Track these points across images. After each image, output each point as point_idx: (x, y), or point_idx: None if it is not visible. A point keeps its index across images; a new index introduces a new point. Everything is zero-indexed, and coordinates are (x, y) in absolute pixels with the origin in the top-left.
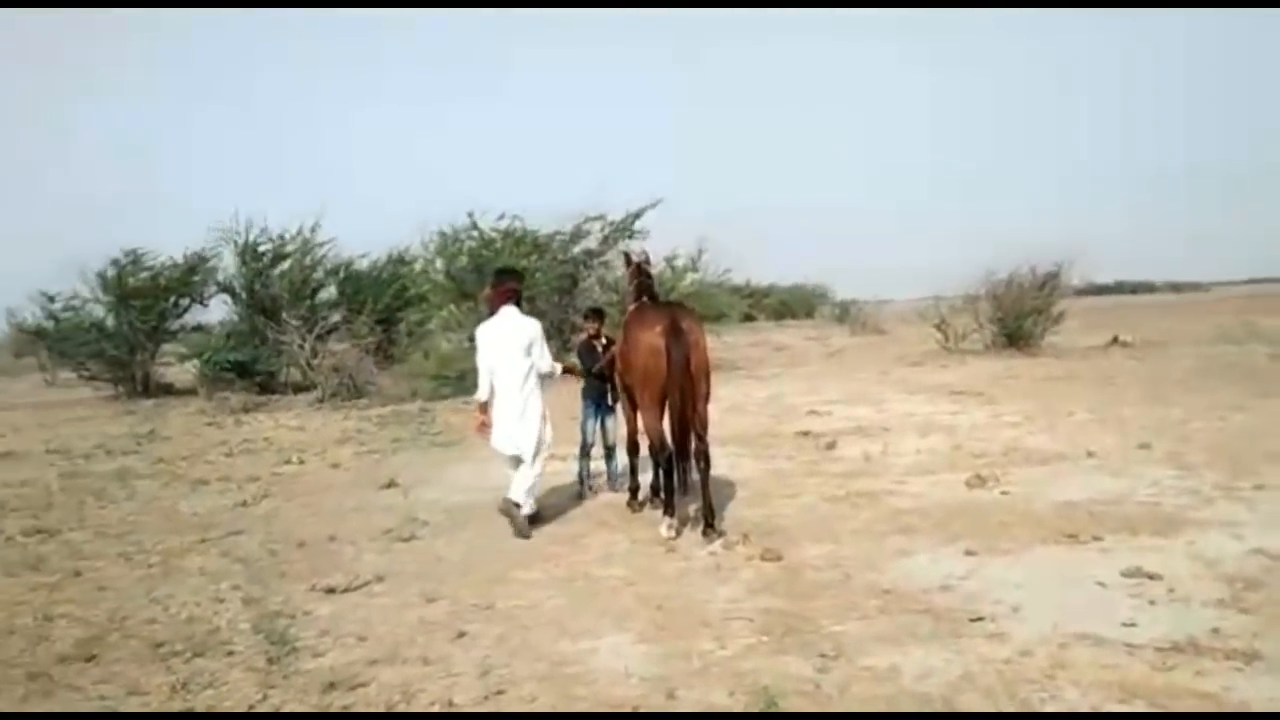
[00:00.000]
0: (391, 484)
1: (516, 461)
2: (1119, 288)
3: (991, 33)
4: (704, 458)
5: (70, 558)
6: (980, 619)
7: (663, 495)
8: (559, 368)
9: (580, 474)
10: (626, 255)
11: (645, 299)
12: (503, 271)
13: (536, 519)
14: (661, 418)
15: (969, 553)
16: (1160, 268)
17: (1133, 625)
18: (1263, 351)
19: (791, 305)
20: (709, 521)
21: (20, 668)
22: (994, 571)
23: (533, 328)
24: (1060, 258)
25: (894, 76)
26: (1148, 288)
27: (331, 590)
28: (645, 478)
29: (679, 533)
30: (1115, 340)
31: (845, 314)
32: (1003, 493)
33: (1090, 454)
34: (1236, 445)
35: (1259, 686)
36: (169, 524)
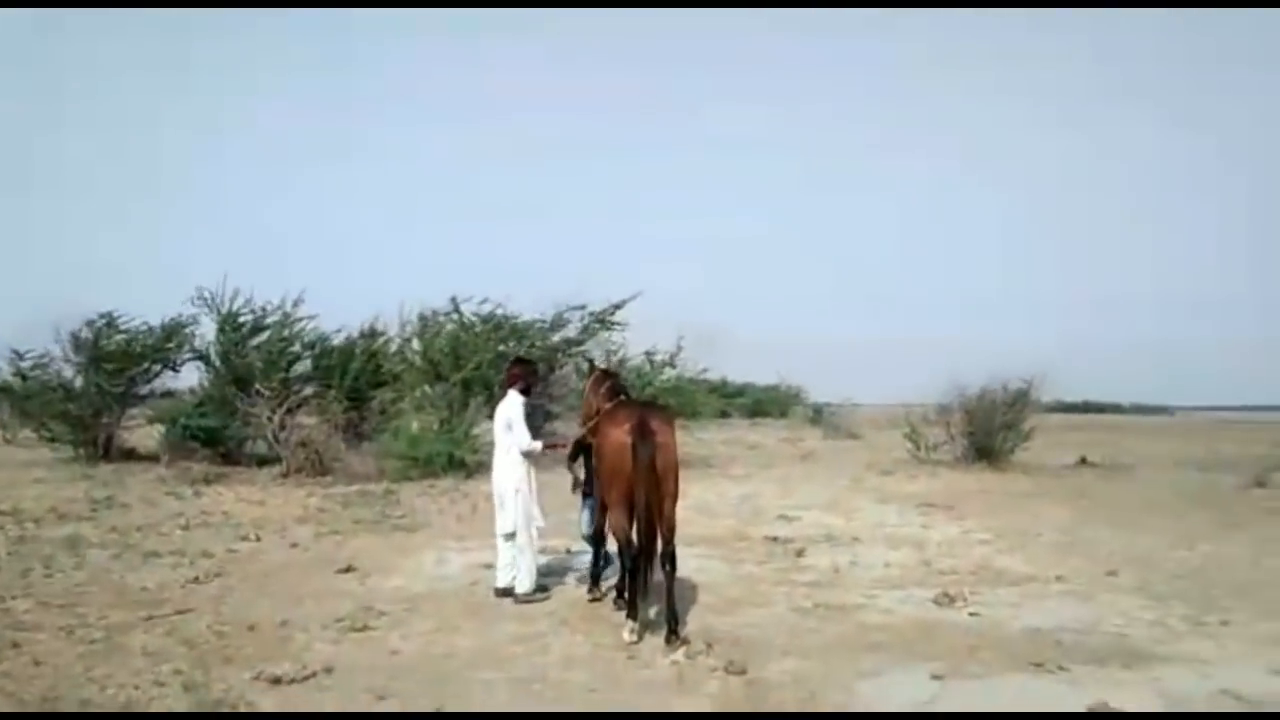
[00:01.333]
0: (350, 568)
1: (506, 538)
2: (1085, 406)
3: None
4: (670, 560)
5: (10, 628)
6: None
7: (626, 596)
8: (538, 445)
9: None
10: (590, 363)
11: (621, 397)
12: (515, 360)
13: (508, 592)
14: (629, 516)
15: (935, 676)
16: (1125, 389)
17: None
18: (1229, 481)
19: (766, 405)
20: (672, 628)
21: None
22: (960, 698)
23: (511, 407)
24: (1030, 374)
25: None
26: (1114, 408)
27: (277, 680)
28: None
29: (641, 637)
30: (1083, 460)
31: (819, 416)
32: (971, 614)
33: (1059, 578)
34: (1204, 577)
35: None
36: (117, 598)
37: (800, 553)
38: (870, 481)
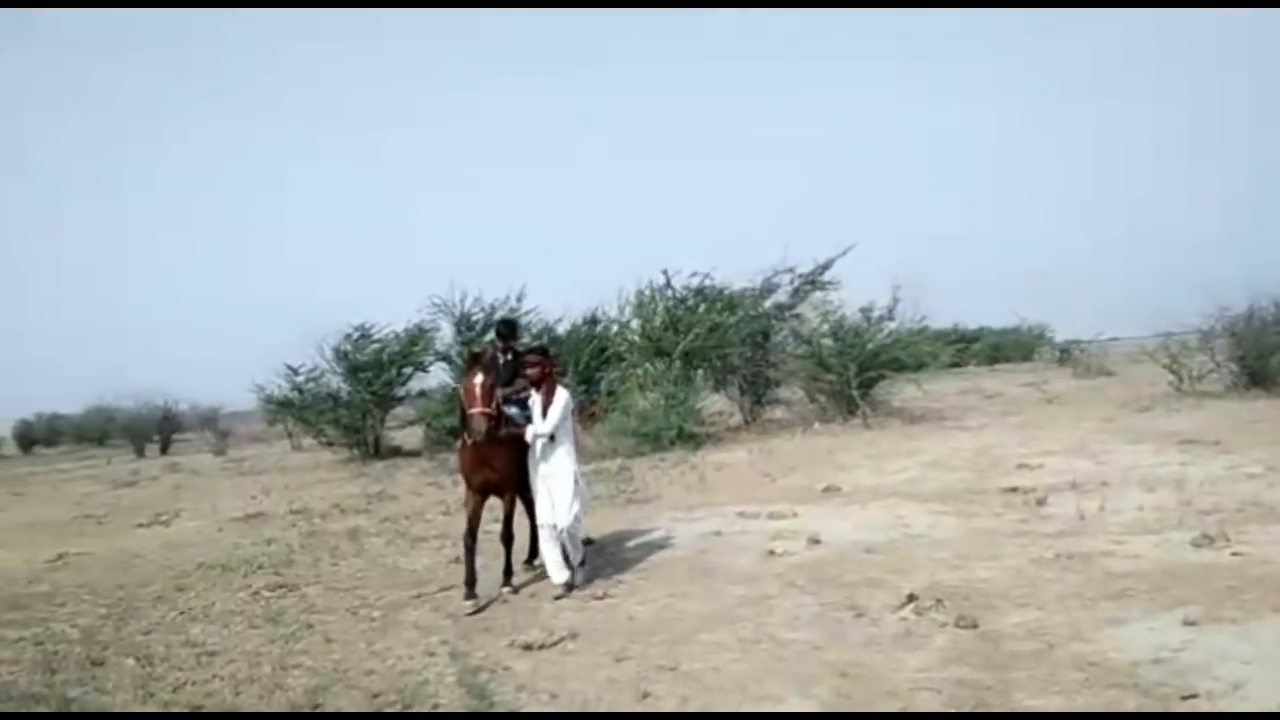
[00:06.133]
0: (589, 541)
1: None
2: None
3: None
4: None
5: (305, 611)
6: (1193, 696)
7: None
8: None
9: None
10: (481, 349)
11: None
12: (541, 350)
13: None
14: None
15: (1188, 622)
16: None
17: None
18: None
19: (1005, 349)
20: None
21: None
22: (1216, 642)
23: (566, 397)
24: None
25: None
26: None
27: (529, 646)
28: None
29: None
30: None
31: (1067, 355)
32: (1234, 554)
33: None
34: None
35: None
36: (391, 580)
37: (1041, 502)
38: (1124, 421)
